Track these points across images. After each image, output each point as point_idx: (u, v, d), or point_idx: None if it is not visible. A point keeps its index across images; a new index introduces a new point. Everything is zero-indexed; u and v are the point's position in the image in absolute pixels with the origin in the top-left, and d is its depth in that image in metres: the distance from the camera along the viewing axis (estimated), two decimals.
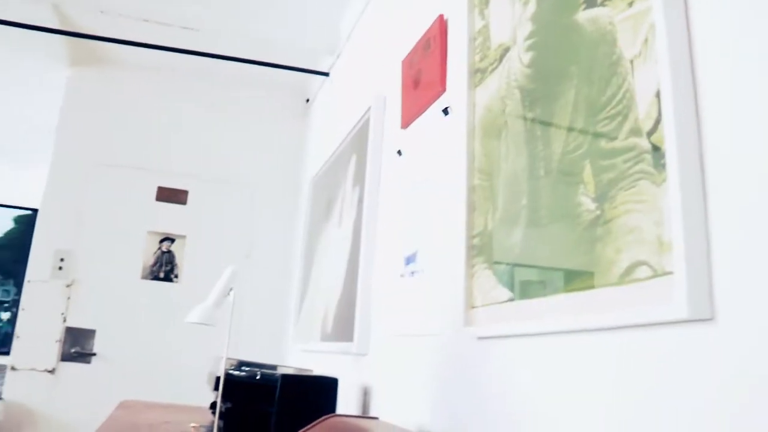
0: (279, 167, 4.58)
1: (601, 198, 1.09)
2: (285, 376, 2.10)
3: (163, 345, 4.19)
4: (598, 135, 1.12)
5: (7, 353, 5.08)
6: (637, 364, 1.00)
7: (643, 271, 0.97)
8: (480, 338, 1.52)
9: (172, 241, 4.31)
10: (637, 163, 1.01)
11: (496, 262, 1.44)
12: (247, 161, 4.55)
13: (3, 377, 4.42)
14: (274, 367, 2.54)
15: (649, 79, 0.99)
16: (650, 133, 0.98)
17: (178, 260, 4.30)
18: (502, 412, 1.41)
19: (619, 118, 1.06)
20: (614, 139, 1.07)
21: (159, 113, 4.49)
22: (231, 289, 2.12)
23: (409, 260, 2.01)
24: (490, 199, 1.51)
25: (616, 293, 1.03)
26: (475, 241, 1.55)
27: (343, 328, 2.63)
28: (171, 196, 4.36)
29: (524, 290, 1.33)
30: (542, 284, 1.27)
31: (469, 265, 1.56)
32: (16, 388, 4.04)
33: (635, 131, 1.02)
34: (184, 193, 4.38)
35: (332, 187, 3.30)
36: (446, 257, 1.75)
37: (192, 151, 4.48)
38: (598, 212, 1.09)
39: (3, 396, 4.08)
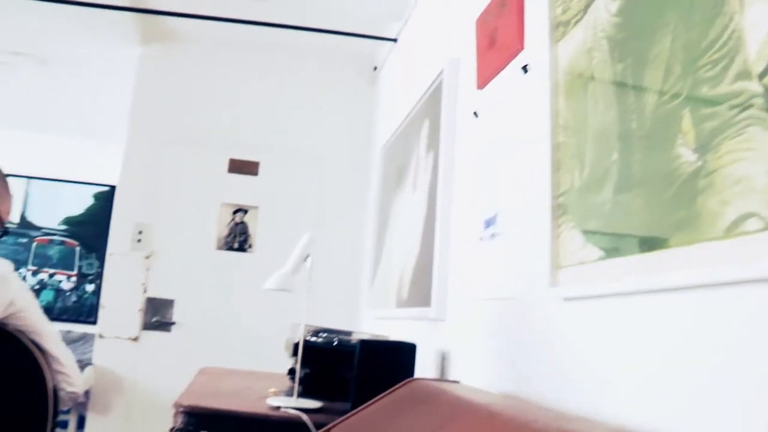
0: (348, 136, 4.58)
1: (702, 148, 1.03)
2: (364, 342, 2.10)
3: (239, 314, 4.28)
4: (698, 82, 1.06)
5: (94, 323, 5.30)
6: (745, 324, 0.95)
7: (752, 224, 0.91)
8: (566, 299, 1.48)
9: (245, 212, 4.38)
10: (745, 109, 0.94)
11: (585, 221, 1.39)
12: (317, 131, 4.56)
13: (92, 345, 4.62)
14: (349, 334, 2.56)
15: (764, 15, 0.93)
16: (762, 75, 0.92)
17: (251, 231, 4.37)
18: (586, 375, 1.38)
19: (724, 62, 1.00)
20: (718, 85, 1.01)
21: (229, 86, 4.55)
22: (308, 255, 2.13)
23: (489, 223, 1.98)
24: (576, 157, 1.46)
25: (721, 248, 0.97)
26: (561, 200, 1.51)
27: (419, 293, 2.62)
28: (243, 167, 4.43)
29: (616, 248, 1.28)
30: (636, 241, 1.22)
31: (555, 225, 1.52)
32: (104, 355, 4.22)
33: (743, 75, 0.95)
34: (256, 164, 4.44)
35: (404, 153, 3.28)
36: (529, 218, 1.71)
37: (262, 122, 4.52)
38: (700, 163, 1.04)
39: (93, 362, 4.26)
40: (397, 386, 1.66)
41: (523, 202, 1.77)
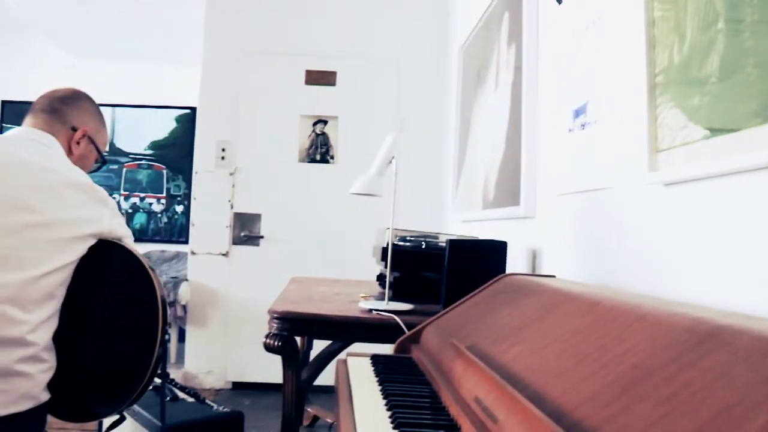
0: (425, 39, 4.45)
1: None
2: (453, 242, 2.08)
3: (324, 224, 4.34)
4: None
5: (185, 242, 5.50)
6: None
7: None
8: (666, 184, 1.40)
9: (325, 122, 4.37)
10: None
11: (687, 98, 1.29)
12: (393, 36, 4.45)
13: (185, 262, 4.81)
14: (436, 237, 2.54)
15: None
16: None
17: (332, 141, 4.37)
18: (689, 264, 1.31)
19: None
20: None
21: None
22: (393, 158, 2.10)
23: (579, 112, 1.88)
24: (675, 30, 1.34)
25: None
26: (659, 78, 1.40)
27: (507, 192, 2.57)
28: (320, 78, 4.39)
29: (724, 125, 1.18)
30: (748, 114, 1.12)
31: (652, 107, 1.42)
32: (197, 271, 4.38)
33: None
34: (333, 74, 4.39)
35: (483, 51, 3.15)
36: (622, 103, 1.61)
37: (337, 31, 4.44)
38: None
39: (188, 278, 4.45)
40: (490, 282, 1.64)
41: (616, 87, 1.66)
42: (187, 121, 6.05)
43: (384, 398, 1.15)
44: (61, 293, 1.54)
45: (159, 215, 6.14)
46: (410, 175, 4.11)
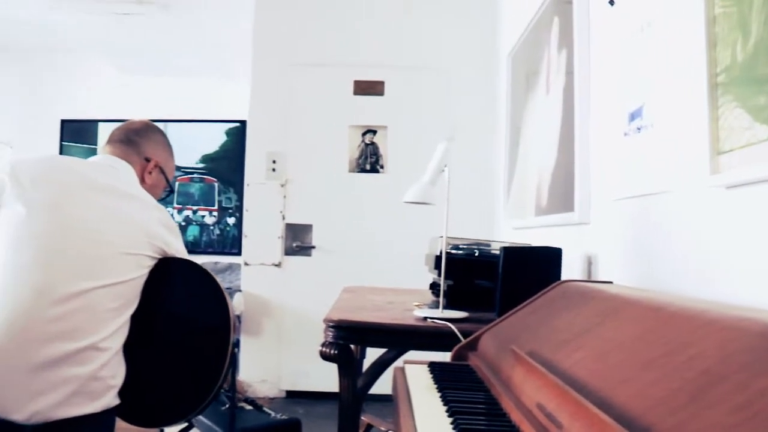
0: (473, 46, 4.44)
1: None
2: (507, 249, 2.07)
3: (375, 234, 4.36)
4: None
5: (237, 253, 5.59)
6: None
7: None
8: (729, 187, 1.37)
9: (374, 132, 4.39)
10: None
11: (752, 97, 1.26)
12: (440, 44, 4.46)
13: (238, 273, 4.89)
14: (488, 245, 2.53)
15: None
16: None
17: (382, 151, 4.39)
18: (752, 267, 1.28)
19: None
20: None
21: (348, 5, 4.51)
22: (445, 166, 2.10)
23: (634, 116, 1.86)
24: (738, 27, 1.31)
25: None
26: (721, 78, 1.37)
27: (560, 198, 2.54)
28: (368, 88, 4.42)
29: None
30: None
31: (713, 107, 1.39)
32: (250, 281, 4.45)
33: None
34: (381, 84, 4.42)
35: (533, 57, 3.13)
36: (681, 104, 1.58)
37: (384, 41, 4.47)
38: None
39: (242, 288, 4.51)
40: (546, 289, 1.62)
41: (673, 89, 1.63)
42: (237, 134, 6.15)
43: (444, 404, 1.15)
44: (132, 304, 1.63)
45: (211, 227, 6.25)
46: (460, 183, 4.09)
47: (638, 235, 1.88)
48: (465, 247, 2.48)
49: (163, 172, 1.92)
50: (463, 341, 1.67)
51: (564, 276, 2.05)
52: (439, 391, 1.26)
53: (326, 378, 4.18)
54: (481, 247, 2.49)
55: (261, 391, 4.37)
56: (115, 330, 1.57)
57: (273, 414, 2.26)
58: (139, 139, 1.88)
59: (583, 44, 2.36)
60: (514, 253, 2.07)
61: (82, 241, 1.56)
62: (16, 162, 1.60)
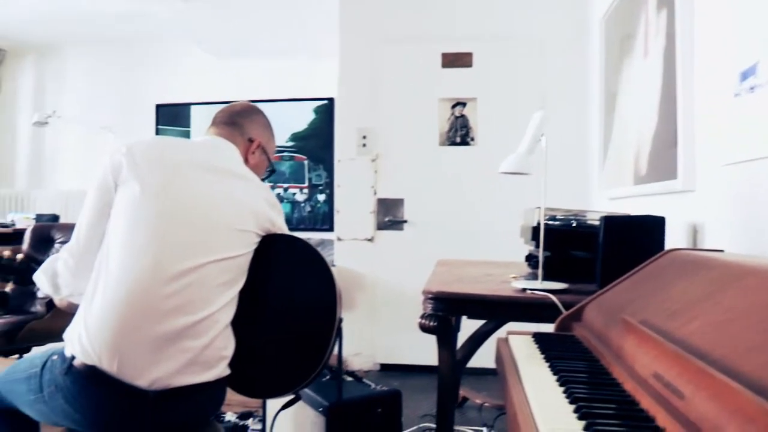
0: (562, 13, 4.32)
1: None
2: (608, 218, 2.02)
3: (466, 206, 4.34)
4: None
5: (328, 229, 5.68)
6: None
7: None
8: None
9: (464, 105, 4.36)
10: None
11: None
12: (529, 12, 4.36)
13: (330, 249, 4.97)
14: (584, 215, 2.48)
15: None
16: None
17: (472, 123, 4.36)
18: None
19: None
20: None
21: None
22: (542, 135, 2.06)
23: (747, 75, 1.76)
24: None
25: None
26: None
27: (661, 166, 2.45)
28: (456, 60, 4.37)
29: None
30: None
31: None
32: (343, 256, 4.52)
33: None
34: (469, 55, 4.36)
35: (628, 20, 3.02)
36: None
37: (471, 12, 4.41)
38: None
39: (335, 263, 4.59)
40: (653, 258, 1.57)
41: None
42: (325, 111, 6.22)
43: (554, 374, 1.14)
44: (240, 279, 1.70)
45: (302, 204, 6.36)
46: (552, 153, 4.01)
47: (750, 202, 1.79)
48: (562, 217, 2.44)
49: (265, 152, 1.96)
50: (565, 312, 1.65)
51: (668, 246, 1.98)
52: (546, 361, 1.25)
53: (420, 351, 4.22)
54: (578, 218, 2.44)
55: (356, 365, 4.45)
56: (226, 303, 1.64)
57: (373, 385, 2.30)
58: (243, 121, 1.92)
59: (685, 3, 2.25)
60: (615, 222, 2.02)
61: (194, 218, 1.63)
62: (131, 144, 1.67)
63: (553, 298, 1.89)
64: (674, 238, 2.21)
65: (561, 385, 1.07)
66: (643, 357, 1.06)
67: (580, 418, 0.90)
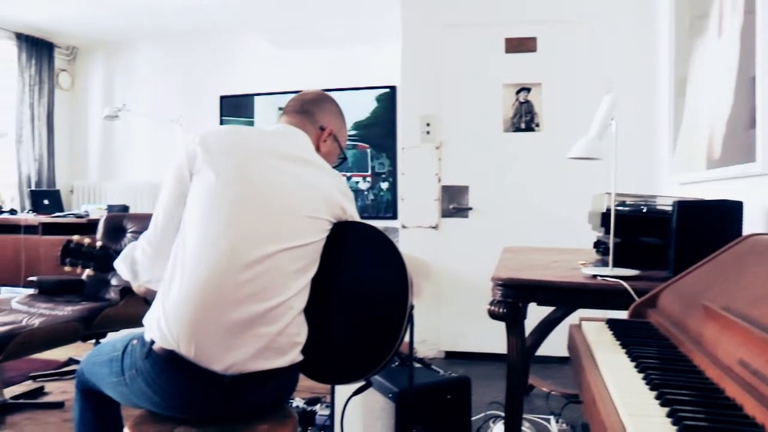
0: None
1: None
2: (682, 204, 1.97)
3: (532, 193, 4.30)
4: None
5: (392, 217, 5.71)
6: None
7: None
8: None
9: (528, 90, 4.30)
10: None
11: None
12: None
13: (394, 236, 4.98)
14: (654, 200, 2.42)
15: None
16: None
17: (536, 109, 4.29)
18: None
19: None
20: None
21: None
22: (612, 119, 2.02)
23: None
24: None
25: None
26: None
27: (738, 149, 2.37)
28: (519, 45, 4.31)
29: None
30: None
31: None
32: (408, 244, 4.52)
33: None
34: (533, 40, 4.29)
35: None
36: None
37: None
38: None
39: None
40: (732, 244, 1.53)
41: None
42: (388, 99, 6.23)
43: (631, 360, 1.13)
44: (313, 266, 1.73)
45: (365, 192, 6.40)
46: (621, 137, 3.93)
47: None
48: (632, 203, 2.39)
49: (336, 139, 1.98)
50: (638, 299, 1.62)
51: (745, 232, 1.92)
52: (623, 348, 1.23)
53: (485, 339, 4.22)
54: (648, 203, 2.39)
55: (421, 352, 4.47)
56: (299, 290, 1.67)
57: (441, 372, 2.31)
58: (314, 109, 1.93)
59: None
60: (688, 208, 1.97)
61: (268, 205, 1.65)
62: (205, 133, 1.71)
63: (625, 284, 1.86)
64: (752, 223, 2.14)
65: (640, 372, 1.05)
66: (726, 344, 1.03)
67: (662, 404, 0.88)
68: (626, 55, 4.17)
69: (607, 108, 2.02)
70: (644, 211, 2.33)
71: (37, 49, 6.86)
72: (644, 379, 1.01)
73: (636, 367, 1.08)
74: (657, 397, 0.91)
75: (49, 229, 5.64)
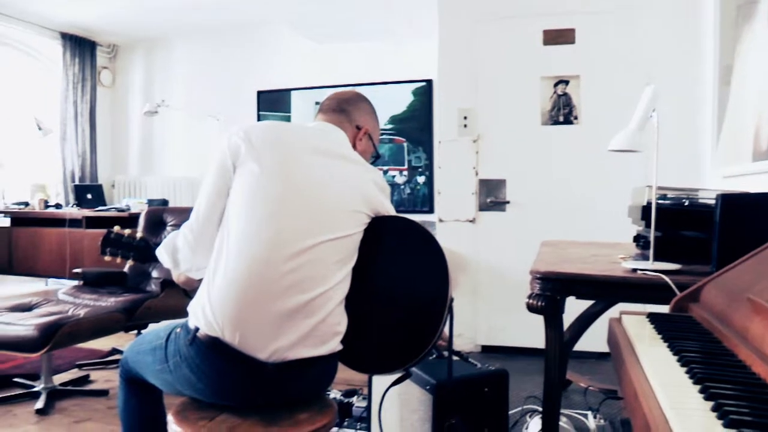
0: None
1: None
2: (726, 197, 1.93)
3: (570, 187, 4.25)
4: None
5: (428, 211, 5.70)
6: None
7: None
8: None
9: (567, 83, 4.25)
10: None
11: None
12: None
13: (433, 229, 4.98)
14: (696, 193, 2.38)
15: None
16: None
17: (575, 101, 4.24)
18: None
19: None
20: None
21: None
22: (653, 110, 1.99)
23: None
24: None
25: None
26: None
27: None
28: (557, 37, 4.26)
29: None
30: None
31: None
32: (444, 238, 4.52)
33: None
34: (571, 31, 4.24)
35: None
36: None
37: None
38: None
39: None
40: None
41: None
42: (424, 93, 6.22)
43: (674, 354, 1.11)
44: (352, 258, 1.76)
45: (402, 186, 6.41)
46: (661, 130, 3.87)
47: None
48: (673, 196, 2.35)
49: (371, 138, 2.01)
50: (679, 294, 1.59)
51: None
52: (665, 341, 1.21)
53: (522, 333, 4.20)
54: (690, 197, 2.35)
55: (457, 346, 4.46)
56: (340, 281, 1.70)
57: (479, 365, 2.30)
58: (351, 108, 1.97)
59: None
60: (733, 201, 1.93)
61: (309, 198, 1.69)
62: (248, 128, 1.75)
63: (666, 278, 1.83)
64: None
65: (682, 365, 1.04)
66: None
67: (706, 398, 0.87)
68: (667, 45, 4.09)
69: (648, 99, 1.99)
70: (686, 204, 2.29)
71: (81, 47, 7.01)
72: (687, 372, 1.00)
73: (678, 360, 1.07)
74: (701, 391, 0.90)
75: (92, 222, 5.76)
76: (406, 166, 6.38)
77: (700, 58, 3.91)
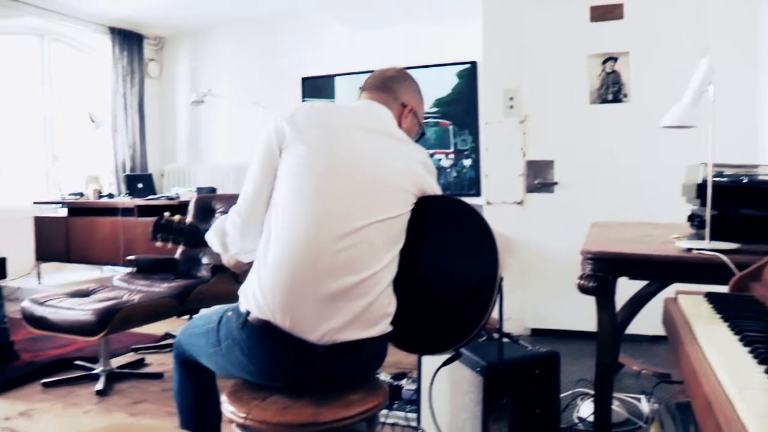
0: None
1: None
2: None
3: (620, 166, 4.17)
4: None
5: (475, 194, 5.65)
6: None
7: None
8: None
9: (615, 60, 4.15)
10: None
11: None
12: None
13: (481, 212, 4.94)
14: (755, 169, 2.31)
15: None
16: None
17: (624, 79, 4.14)
18: None
19: None
20: None
21: None
22: (710, 84, 1.92)
23: None
24: None
25: None
26: None
27: None
28: (605, 13, 4.16)
29: None
30: None
31: None
32: (492, 220, 4.41)
33: None
34: (619, 6, 4.13)
35: None
36: None
37: None
38: None
39: None
40: None
41: None
42: (469, 75, 6.14)
43: (735, 334, 1.08)
44: (400, 239, 1.75)
45: (448, 170, 6.35)
46: (718, 106, 3.75)
47: None
48: (730, 173, 2.28)
49: (416, 116, 1.99)
50: (738, 273, 1.55)
51: None
52: (724, 321, 1.18)
53: (572, 316, 4.14)
54: (749, 174, 2.27)
55: (506, 329, 4.40)
56: (389, 262, 1.70)
57: (529, 347, 2.28)
58: (395, 86, 1.95)
59: None
60: None
61: (358, 177, 1.68)
62: (293, 110, 1.75)
63: (724, 258, 1.78)
64: None
65: (745, 345, 1.01)
66: None
67: None
68: (723, 16, 3.94)
69: (704, 73, 1.93)
70: (744, 181, 2.22)
71: (128, 41, 7.13)
72: (751, 352, 0.96)
73: (741, 340, 1.04)
74: (767, 372, 0.87)
75: (144, 211, 5.87)
76: (452, 150, 6.32)
77: (759, 28, 3.76)
